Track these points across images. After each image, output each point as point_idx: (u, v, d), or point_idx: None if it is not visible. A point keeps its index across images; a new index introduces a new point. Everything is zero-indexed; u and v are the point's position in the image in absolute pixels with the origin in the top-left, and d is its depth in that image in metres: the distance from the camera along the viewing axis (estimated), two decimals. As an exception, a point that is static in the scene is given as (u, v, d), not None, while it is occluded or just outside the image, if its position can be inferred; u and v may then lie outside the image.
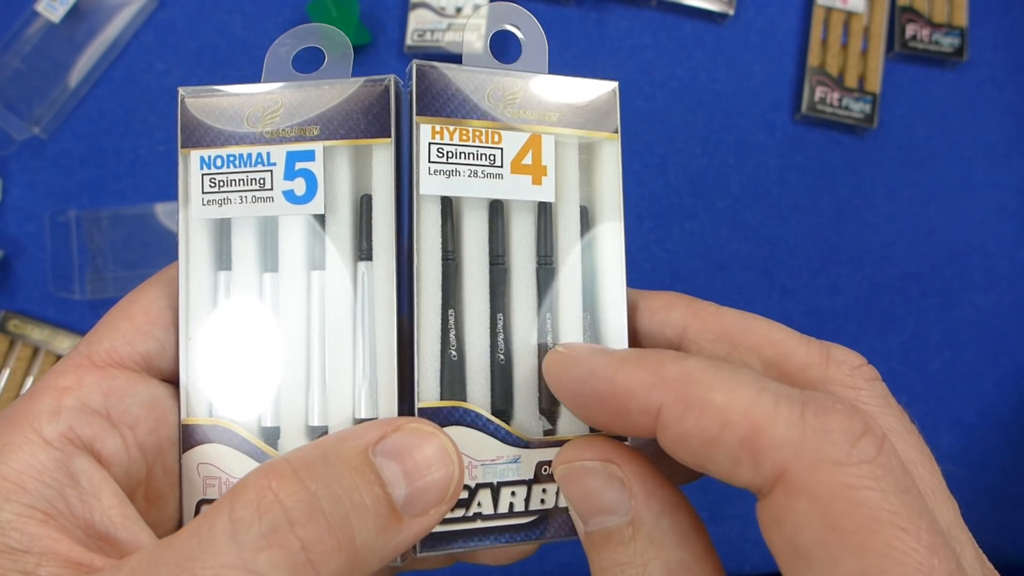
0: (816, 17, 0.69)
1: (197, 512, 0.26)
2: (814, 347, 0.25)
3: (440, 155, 0.26)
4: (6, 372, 0.63)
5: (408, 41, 0.66)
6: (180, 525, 0.26)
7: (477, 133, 0.27)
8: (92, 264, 0.64)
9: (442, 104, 0.27)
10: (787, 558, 0.19)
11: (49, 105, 0.65)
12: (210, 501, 0.26)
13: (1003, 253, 0.68)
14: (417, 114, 0.26)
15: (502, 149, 0.27)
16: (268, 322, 0.27)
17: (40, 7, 0.64)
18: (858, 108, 0.67)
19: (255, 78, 0.27)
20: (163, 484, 0.26)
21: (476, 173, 0.27)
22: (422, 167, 0.26)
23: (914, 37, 0.68)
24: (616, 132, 0.28)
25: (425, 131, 0.26)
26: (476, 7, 0.66)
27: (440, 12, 0.66)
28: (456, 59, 0.27)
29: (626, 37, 0.69)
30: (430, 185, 0.26)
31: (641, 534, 0.22)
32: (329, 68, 0.27)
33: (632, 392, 0.22)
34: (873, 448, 0.19)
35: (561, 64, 0.27)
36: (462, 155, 0.26)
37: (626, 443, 0.25)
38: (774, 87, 0.69)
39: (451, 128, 0.26)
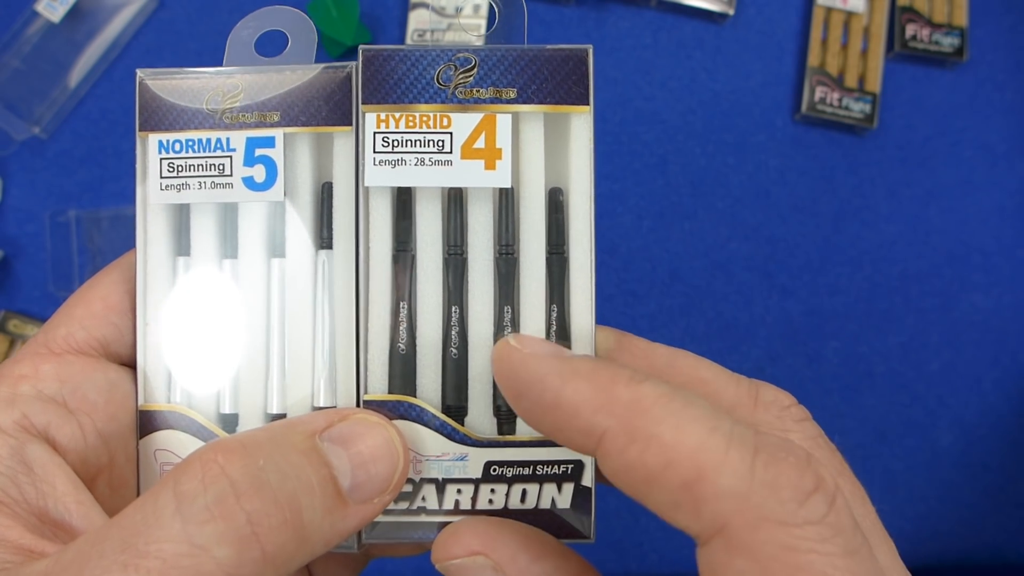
0: (816, 17, 0.69)
1: None
2: (743, 387, 0.24)
3: (385, 144, 0.26)
4: (6, 372, 0.63)
5: (408, 41, 0.66)
6: None
7: (424, 118, 0.26)
8: (92, 264, 0.64)
9: (388, 90, 0.26)
10: None
11: (49, 105, 0.65)
12: None
13: (1003, 253, 0.68)
14: (363, 103, 0.26)
15: (451, 133, 0.25)
16: (227, 308, 0.27)
17: (40, 7, 0.64)
18: (858, 108, 0.67)
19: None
20: (126, 471, 0.26)
21: (423, 161, 0.26)
22: (367, 158, 0.26)
23: (914, 37, 0.68)
24: (588, 104, 0.26)
25: (370, 120, 0.26)
26: (476, 7, 0.66)
27: (440, 12, 0.66)
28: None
29: (626, 37, 0.69)
30: (375, 176, 0.26)
31: None
32: (292, 52, 0.27)
33: (577, 411, 0.20)
34: (823, 506, 0.18)
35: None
36: (408, 143, 0.26)
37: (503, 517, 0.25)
38: (774, 87, 0.69)
39: (397, 115, 0.26)
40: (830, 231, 0.67)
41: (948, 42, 0.68)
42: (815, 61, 0.68)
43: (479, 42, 0.28)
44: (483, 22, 0.65)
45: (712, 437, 0.19)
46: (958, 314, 0.67)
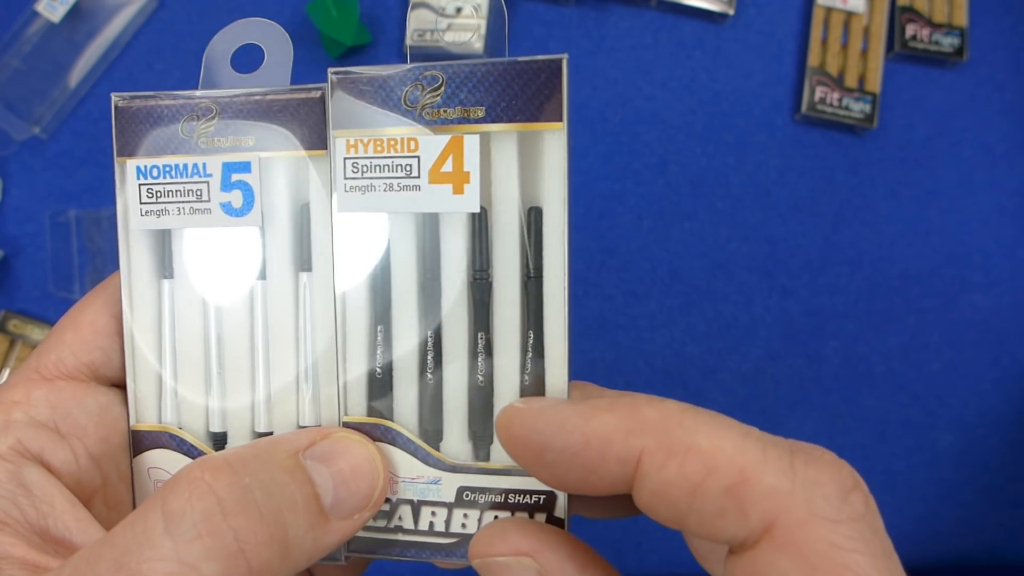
0: (816, 17, 0.69)
1: None
2: None
3: (355, 170, 0.25)
4: (6, 372, 0.63)
5: (408, 41, 0.66)
6: None
7: (392, 143, 0.25)
8: (92, 264, 0.64)
9: (358, 114, 0.25)
10: None
11: (49, 105, 0.65)
12: None
13: (1003, 253, 0.68)
14: (333, 127, 0.25)
15: (419, 157, 0.25)
16: (212, 330, 0.27)
17: (40, 7, 0.64)
18: (858, 108, 0.67)
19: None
20: (120, 490, 0.26)
21: (392, 186, 0.25)
22: (338, 184, 0.25)
23: (914, 37, 0.68)
24: (561, 120, 0.24)
25: (340, 145, 0.25)
26: (476, 7, 0.66)
27: (440, 12, 0.66)
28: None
29: (626, 37, 0.69)
30: (346, 202, 0.25)
31: None
32: (269, 67, 0.27)
33: (609, 440, 0.20)
34: (862, 505, 0.19)
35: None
36: (377, 168, 0.25)
37: (544, 522, 0.24)
38: (774, 87, 0.69)
39: (365, 140, 0.25)
40: (830, 231, 0.67)
41: (948, 42, 0.68)
42: (815, 61, 0.68)
43: (479, 43, 0.27)
44: (483, 22, 0.65)
45: (747, 441, 0.19)
46: (958, 314, 0.67)
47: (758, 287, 0.66)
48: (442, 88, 0.24)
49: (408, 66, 0.25)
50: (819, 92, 0.67)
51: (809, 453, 0.19)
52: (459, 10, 0.66)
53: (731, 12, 0.68)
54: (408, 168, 0.25)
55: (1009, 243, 0.68)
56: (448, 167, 0.25)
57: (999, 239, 0.68)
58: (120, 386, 0.27)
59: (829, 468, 0.19)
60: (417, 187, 0.25)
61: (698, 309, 0.66)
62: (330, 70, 0.25)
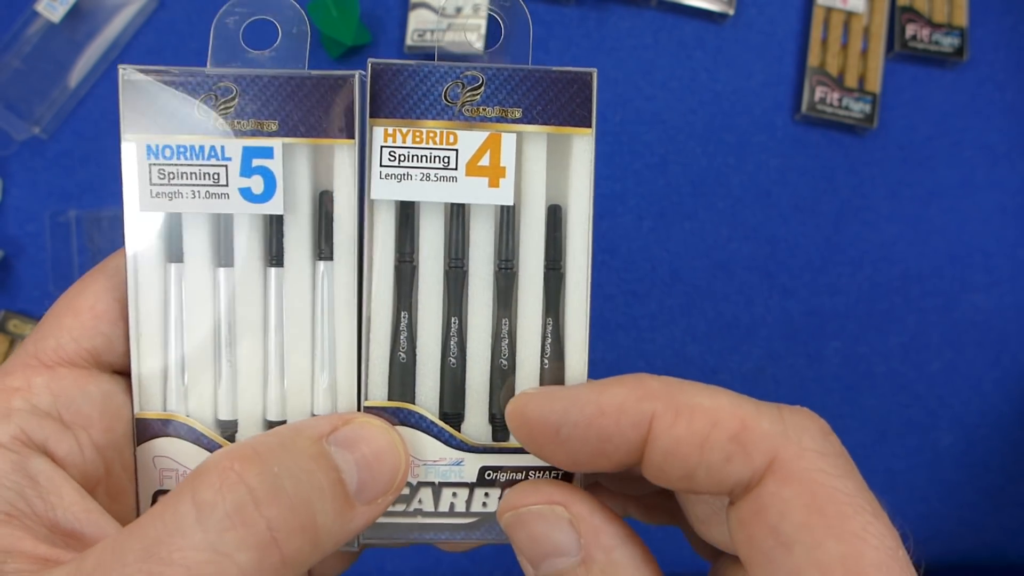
0: (816, 17, 0.69)
1: (154, 503, 0.26)
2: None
3: (392, 158, 0.26)
4: (6, 372, 0.63)
5: (408, 41, 0.66)
6: (138, 516, 0.26)
7: (431, 135, 0.26)
8: (92, 264, 0.64)
9: (396, 105, 0.26)
10: (765, 549, 0.20)
11: (49, 105, 0.65)
12: (167, 492, 0.26)
13: (1003, 253, 0.68)
14: (371, 116, 0.26)
15: (457, 150, 0.26)
16: (223, 317, 0.26)
17: (40, 7, 0.64)
18: (858, 108, 0.67)
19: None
20: (123, 479, 0.26)
21: (428, 176, 0.26)
22: (374, 171, 0.26)
23: (914, 37, 0.68)
24: (590, 127, 0.26)
25: (378, 134, 0.26)
26: (476, 7, 0.66)
27: (440, 12, 0.66)
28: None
29: (626, 37, 0.69)
30: (381, 190, 0.26)
31: (594, 572, 0.23)
32: (283, 47, 0.26)
33: (621, 407, 0.22)
34: (839, 445, 0.22)
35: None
36: (414, 158, 0.26)
37: (571, 482, 0.26)
38: (774, 87, 0.69)
39: (404, 130, 0.26)
40: (830, 231, 0.67)
41: (948, 42, 0.68)
42: (815, 61, 0.68)
43: (479, 43, 0.28)
44: (483, 22, 0.65)
45: (741, 400, 0.22)
46: (959, 314, 0.67)
47: (759, 287, 0.66)
48: (482, 88, 0.26)
49: (448, 64, 0.26)
50: (819, 92, 0.67)
51: (791, 408, 0.22)
52: (459, 10, 0.66)
53: (731, 12, 0.68)
54: (446, 160, 0.26)
55: (1010, 243, 0.68)
56: (486, 161, 0.26)
57: (1000, 239, 0.68)
58: (121, 373, 0.26)
59: (809, 417, 0.22)
60: (454, 179, 0.26)
61: (698, 309, 0.66)
62: (371, 60, 0.26)
